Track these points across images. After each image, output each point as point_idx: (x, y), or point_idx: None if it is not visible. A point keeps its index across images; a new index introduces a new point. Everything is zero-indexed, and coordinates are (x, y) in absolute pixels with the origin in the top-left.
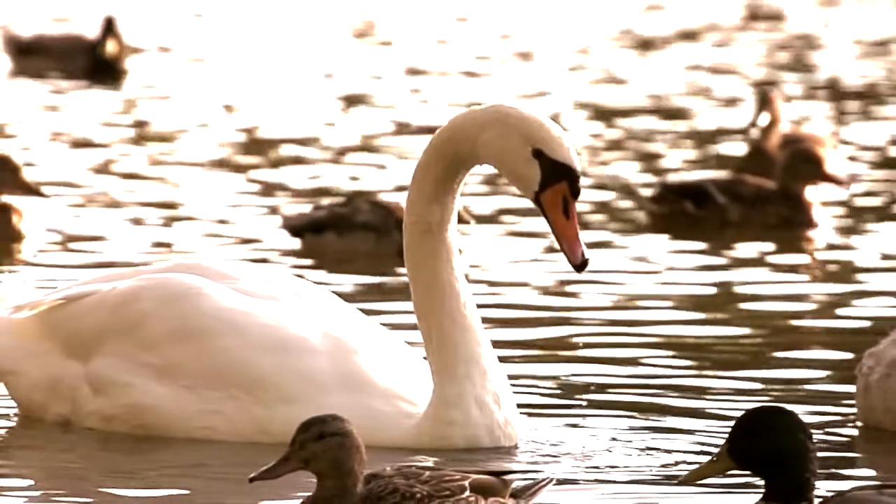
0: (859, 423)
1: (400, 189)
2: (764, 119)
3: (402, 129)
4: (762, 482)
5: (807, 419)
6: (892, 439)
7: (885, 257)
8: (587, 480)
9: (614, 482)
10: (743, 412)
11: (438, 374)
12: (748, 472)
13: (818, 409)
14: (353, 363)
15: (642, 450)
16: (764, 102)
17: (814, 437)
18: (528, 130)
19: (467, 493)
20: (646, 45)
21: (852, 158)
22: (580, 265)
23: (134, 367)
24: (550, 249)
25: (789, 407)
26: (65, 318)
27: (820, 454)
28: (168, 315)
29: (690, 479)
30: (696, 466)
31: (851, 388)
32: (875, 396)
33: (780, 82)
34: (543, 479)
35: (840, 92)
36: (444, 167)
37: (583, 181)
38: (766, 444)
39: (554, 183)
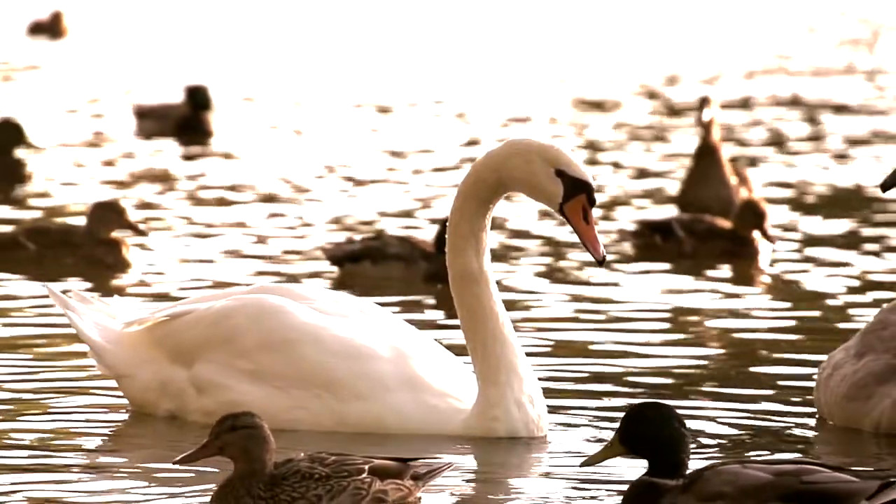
0: (816, 416)
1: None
2: (707, 115)
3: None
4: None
5: (768, 412)
6: (837, 429)
7: (816, 281)
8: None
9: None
10: (629, 407)
11: (483, 381)
12: (635, 455)
13: (775, 405)
14: (412, 367)
15: (591, 439)
16: (704, 103)
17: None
18: (549, 155)
19: (364, 475)
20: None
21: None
22: (602, 260)
23: (230, 371)
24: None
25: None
26: (170, 332)
27: (781, 440)
28: (258, 329)
29: (590, 462)
30: (595, 452)
31: (795, 384)
32: (821, 392)
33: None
34: (442, 464)
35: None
36: (475, 205)
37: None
38: (648, 433)
39: (575, 195)
